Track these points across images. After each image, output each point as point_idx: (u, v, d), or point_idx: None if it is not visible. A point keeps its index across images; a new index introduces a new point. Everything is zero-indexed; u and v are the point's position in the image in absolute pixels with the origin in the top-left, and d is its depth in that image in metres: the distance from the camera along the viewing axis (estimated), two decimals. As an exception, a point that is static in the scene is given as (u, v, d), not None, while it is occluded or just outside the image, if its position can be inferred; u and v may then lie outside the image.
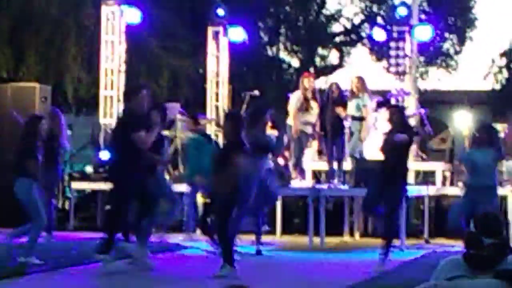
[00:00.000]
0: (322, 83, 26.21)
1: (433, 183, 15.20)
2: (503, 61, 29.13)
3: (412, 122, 16.80)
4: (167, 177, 12.85)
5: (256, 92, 16.77)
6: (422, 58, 24.48)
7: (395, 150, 10.19)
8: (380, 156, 10.59)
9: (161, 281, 9.52)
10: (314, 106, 14.68)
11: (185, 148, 14.58)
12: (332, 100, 14.69)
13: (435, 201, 15.01)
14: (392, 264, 10.85)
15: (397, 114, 10.45)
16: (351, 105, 14.58)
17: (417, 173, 15.58)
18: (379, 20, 25.93)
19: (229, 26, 18.52)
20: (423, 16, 18.23)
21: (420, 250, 12.84)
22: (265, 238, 13.33)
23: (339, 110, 14.41)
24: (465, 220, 10.43)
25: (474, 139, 11.49)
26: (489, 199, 10.65)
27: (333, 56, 28.07)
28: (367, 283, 9.32)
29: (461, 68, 28.28)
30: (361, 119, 14.51)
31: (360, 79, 14.79)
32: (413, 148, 16.14)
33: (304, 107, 14.65)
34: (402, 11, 17.30)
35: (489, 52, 29.62)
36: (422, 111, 16.31)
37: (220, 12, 18.44)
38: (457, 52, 27.95)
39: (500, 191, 13.25)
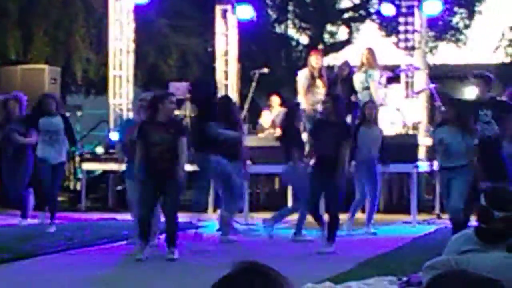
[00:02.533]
0: (331, 59, 26.12)
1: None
2: (513, 34, 28.96)
3: (423, 97, 16.80)
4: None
5: (265, 70, 16.75)
6: (431, 33, 24.33)
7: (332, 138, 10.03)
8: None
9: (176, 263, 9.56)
10: (320, 84, 14.62)
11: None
12: (341, 79, 14.66)
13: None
14: (405, 240, 10.87)
15: (331, 102, 10.34)
16: (359, 77, 14.51)
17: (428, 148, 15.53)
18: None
19: (237, 4, 18.45)
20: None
21: (432, 225, 12.83)
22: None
23: (353, 98, 14.45)
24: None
25: (442, 115, 10.31)
26: (462, 176, 9.72)
27: (342, 33, 27.94)
28: (379, 259, 9.33)
29: (470, 42, 28.11)
30: (367, 88, 14.49)
31: (370, 51, 14.70)
32: (424, 123, 16.14)
33: (311, 85, 14.61)
34: (410, -14, 17.18)
35: (498, 25, 29.32)
36: (432, 86, 16.25)
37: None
38: (466, 26, 27.76)
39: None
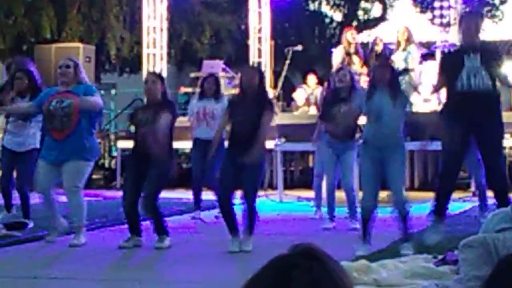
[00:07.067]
0: (365, 36, 25.95)
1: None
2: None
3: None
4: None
5: (299, 47, 16.67)
6: (467, 9, 24.09)
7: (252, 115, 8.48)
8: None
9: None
10: (356, 61, 14.55)
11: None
12: (376, 54, 14.58)
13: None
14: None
15: (257, 76, 8.66)
16: (400, 56, 14.42)
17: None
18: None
19: (271, -19, 18.37)
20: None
21: (468, 203, 12.74)
22: (311, 193, 13.34)
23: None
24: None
25: (373, 79, 8.23)
26: (397, 156, 8.04)
27: (376, 9, 27.73)
28: (414, 237, 9.26)
29: (507, 18, 27.79)
30: (407, 70, 14.37)
31: (407, 30, 14.61)
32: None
33: (347, 62, 14.56)
34: (446, -39, 17.01)
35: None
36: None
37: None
38: (502, 2, 27.45)
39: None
